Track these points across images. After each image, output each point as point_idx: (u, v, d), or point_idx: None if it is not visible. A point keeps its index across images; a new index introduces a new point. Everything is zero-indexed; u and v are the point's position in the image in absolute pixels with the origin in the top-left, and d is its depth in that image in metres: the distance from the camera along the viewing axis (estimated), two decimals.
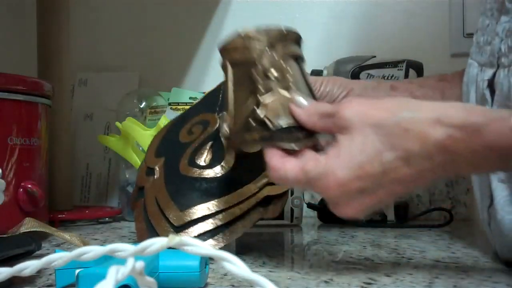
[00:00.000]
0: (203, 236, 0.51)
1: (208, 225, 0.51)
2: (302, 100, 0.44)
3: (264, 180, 0.53)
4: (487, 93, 0.48)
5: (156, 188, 0.55)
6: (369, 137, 0.39)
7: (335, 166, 0.39)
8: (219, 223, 0.51)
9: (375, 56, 0.85)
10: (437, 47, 0.93)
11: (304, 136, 0.43)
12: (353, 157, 0.39)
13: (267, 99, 0.44)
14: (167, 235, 0.49)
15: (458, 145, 0.37)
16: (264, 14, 1.01)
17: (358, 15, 0.97)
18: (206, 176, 0.54)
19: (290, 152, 0.43)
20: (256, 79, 0.45)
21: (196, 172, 0.54)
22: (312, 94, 0.47)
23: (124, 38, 1.06)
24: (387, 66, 0.82)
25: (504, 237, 0.47)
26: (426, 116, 0.38)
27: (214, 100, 0.60)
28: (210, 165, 0.54)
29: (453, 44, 0.93)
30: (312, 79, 0.57)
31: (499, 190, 0.47)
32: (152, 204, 0.54)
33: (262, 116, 0.44)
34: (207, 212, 0.52)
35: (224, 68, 0.49)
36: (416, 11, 0.95)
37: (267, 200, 0.53)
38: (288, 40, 0.47)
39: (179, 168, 0.56)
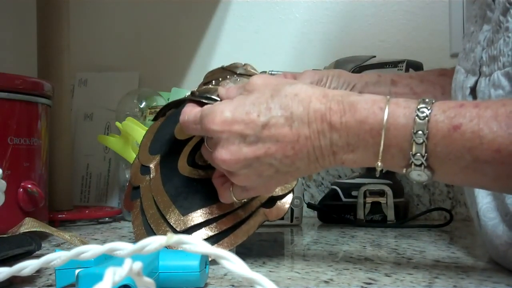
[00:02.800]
0: (207, 241, 0.48)
1: (212, 230, 0.50)
2: (230, 84, 0.51)
3: None
4: (470, 100, 0.48)
5: (153, 189, 0.54)
6: (264, 94, 0.43)
7: (225, 106, 0.44)
8: (224, 227, 0.50)
9: (375, 56, 0.85)
10: (437, 47, 0.93)
11: None
12: (244, 105, 0.43)
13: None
14: None
15: (334, 117, 0.41)
16: (264, 14, 1.01)
17: (358, 15, 0.97)
18: (208, 177, 0.53)
19: None
20: (211, 82, 0.54)
21: (197, 173, 0.53)
22: None
23: (124, 38, 1.06)
24: (387, 66, 0.82)
25: (489, 242, 0.47)
26: (316, 90, 0.43)
27: None
28: (211, 165, 0.53)
29: (453, 44, 0.93)
30: (317, 73, 0.59)
31: (480, 197, 0.47)
32: (150, 207, 0.53)
33: (195, 91, 0.51)
34: (210, 216, 0.50)
35: (198, 86, 0.58)
36: (416, 11, 0.95)
37: (270, 202, 0.53)
38: None
39: (178, 167, 0.54)
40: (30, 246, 0.46)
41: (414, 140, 0.38)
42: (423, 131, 0.38)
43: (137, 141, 0.81)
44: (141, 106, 0.88)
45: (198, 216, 0.50)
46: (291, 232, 0.74)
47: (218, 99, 0.48)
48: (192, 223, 0.50)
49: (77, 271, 0.33)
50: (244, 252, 0.55)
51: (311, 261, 0.50)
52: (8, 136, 0.61)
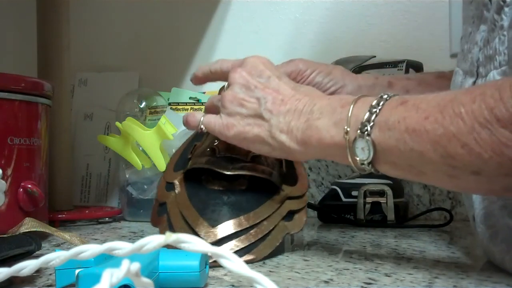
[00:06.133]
0: (239, 252, 0.49)
1: (242, 241, 0.50)
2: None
3: (283, 194, 0.54)
4: None
5: (180, 204, 0.54)
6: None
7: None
8: (252, 239, 0.50)
9: (375, 56, 0.85)
10: (437, 47, 0.93)
11: (239, 167, 0.53)
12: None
13: None
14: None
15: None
16: (264, 14, 1.01)
17: (358, 15, 0.97)
18: (233, 188, 0.53)
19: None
20: None
21: (221, 184, 0.54)
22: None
23: (124, 38, 1.06)
24: (387, 66, 0.82)
25: (486, 247, 0.47)
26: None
27: None
28: (234, 176, 0.54)
29: (453, 45, 0.92)
30: (304, 63, 0.61)
31: (477, 203, 0.47)
32: (178, 221, 0.52)
33: (214, 145, 0.55)
34: (239, 228, 0.50)
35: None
36: (416, 11, 0.95)
37: (289, 215, 0.54)
38: None
39: (202, 181, 0.55)
40: (30, 246, 0.46)
41: (369, 110, 0.41)
42: (378, 104, 0.41)
43: (137, 141, 0.81)
44: (141, 106, 0.88)
45: (228, 227, 0.50)
46: None
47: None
48: (223, 235, 0.50)
49: (77, 271, 0.33)
50: None
51: (311, 261, 0.50)
52: (8, 136, 0.61)
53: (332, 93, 0.59)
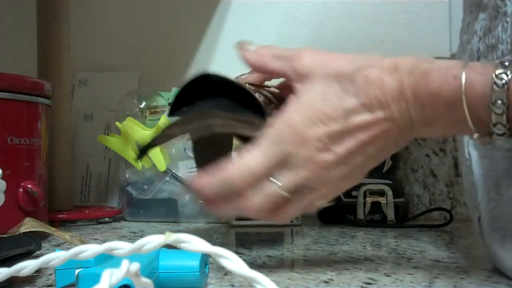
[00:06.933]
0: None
1: None
2: (251, 45, 0.46)
3: None
4: None
5: None
6: (331, 86, 0.39)
7: (293, 113, 0.39)
8: None
9: None
10: (437, 47, 0.93)
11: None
12: (314, 104, 0.39)
13: None
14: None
15: (406, 91, 0.38)
16: (264, 14, 1.01)
17: (358, 15, 0.97)
18: None
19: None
20: None
21: None
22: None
23: (124, 38, 1.06)
24: None
25: (493, 253, 0.45)
26: (384, 64, 0.39)
27: None
28: None
29: (453, 44, 0.92)
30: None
31: (484, 203, 0.44)
32: None
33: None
34: None
35: None
36: (416, 11, 0.95)
37: None
38: None
39: None
40: (30, 246, 0.46)
41: (493, 111, 0.35)
42: (502, 101, 0.34)
43: (137, 141, 0.81)
44: (141, 106, 0.88)
45: None
46: (291, 232, 0.74)
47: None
48: None
49: (77, 271, 0.33)
50: (244, 252, 0.55)
51: (311, 261, 0.50)
52: (8, 136, 0.61)
53: None
